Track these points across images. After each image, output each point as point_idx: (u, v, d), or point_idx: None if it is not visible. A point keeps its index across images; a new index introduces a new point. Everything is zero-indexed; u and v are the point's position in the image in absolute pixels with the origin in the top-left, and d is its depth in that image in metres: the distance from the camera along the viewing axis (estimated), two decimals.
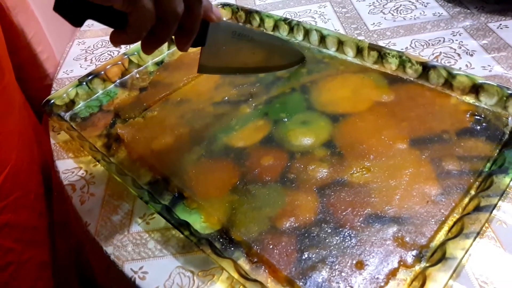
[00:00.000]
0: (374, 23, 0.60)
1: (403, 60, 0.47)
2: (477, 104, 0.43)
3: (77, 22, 0.32)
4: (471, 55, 0.51)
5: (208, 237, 0.34)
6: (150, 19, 0.31)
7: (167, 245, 0.36)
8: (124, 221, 0.39)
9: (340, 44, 0.52)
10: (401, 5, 0.63)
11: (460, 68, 0.48)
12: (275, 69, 0.48)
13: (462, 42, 0.53)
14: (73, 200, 0.42)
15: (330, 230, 0.34)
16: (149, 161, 0.42)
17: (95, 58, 0.63)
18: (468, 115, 0.42)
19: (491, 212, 0.32)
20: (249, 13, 0.62)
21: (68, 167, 0.45)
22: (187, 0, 0.32)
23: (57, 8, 0.31)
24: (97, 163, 0.44)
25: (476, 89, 0.43)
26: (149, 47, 0.35)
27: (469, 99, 0.44)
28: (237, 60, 0.43)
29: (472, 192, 0.35)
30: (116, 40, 0.33)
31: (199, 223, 0.36)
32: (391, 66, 0.49)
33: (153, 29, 0.32)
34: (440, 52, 0.52)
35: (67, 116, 0.51)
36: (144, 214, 0.39)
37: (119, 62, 0.55)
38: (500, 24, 0.55)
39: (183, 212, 0.37)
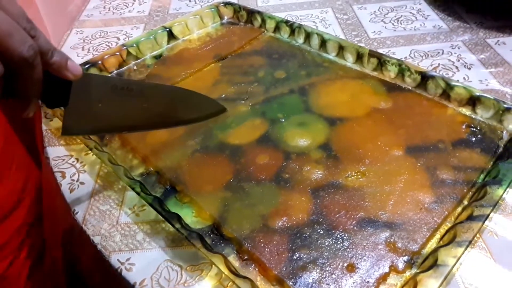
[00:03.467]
0: (374, 31, 0.60)
1: (402, 68, 0.48)
2: (473, 116, 0.43)
3: None
4: (469, 69, 0.51)
5: (199, 231, 0.34)
6: None
7: (156, 238, 0.35)
8: (113, 212, 0.38)
9: (341, 49, 0.52)
10: (402, 15, 0.64)
11: (458, 80, 0.49)
12: (180, 124, 0.40)
13: (460, 55, 0.54)
14: (62, 187, 0.41)
15: (322, 232, 0.34)
16: (143, 153, 0.42)
17: (93, 48, 0.62)
18: (464, 126, 0.42)
19: (484, 222, 0.32)
20: (251, 13, 0.62)
21: (59, 154, 0.44)
22: (11, 63, 0.27)
23: None
24: (89, 151, 0.43)
25: (473, 101, 0.43)
26: None
27: (466, 110, 0.44)
28: (122, 118, 0.37)
29: (465, 202, 0.36)
30: None
31: (190, 217, 0.36)
32: (390, 74, 0.49)
33: None
34: (439, 64, 0.52)
35: None
36: (134, 206, 0.38)
37: (117, 53, 0.55)
38: (498, 40, 0.56)
39: (175, 206, 0.37)
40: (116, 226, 0.37)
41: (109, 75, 0.54)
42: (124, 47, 0.56)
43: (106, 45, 0.63)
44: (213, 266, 0.32)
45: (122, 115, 0.36)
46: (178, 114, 0.39)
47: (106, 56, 0.54)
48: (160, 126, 0.39)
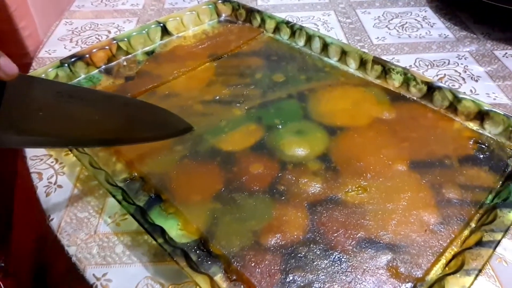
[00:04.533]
0: (378, 37, 0.58)
1: (408, 77, 0.45)
2: (480, 131, 0.41)
3: None
4: (476, 81, 0.49)
5: (184, 247, 0.31)
6: None
7: (137, 252, 0.32)
8: (92, 220, 0.35)
9: (343, 54, 0.50)
10: (406, 22, 0.61)
11: (465, 92, 0.46)
12: (136, 141, 0.36)
13: (467, 66, 0.51)
14: (37, 190, 0.38)
15: (319, 252, 0.31)
16: (127, 156, 0.38)
17: (81, 41, 0.59)
18: (471, 142, 0.40)
19: (495, 249, 0.29)
20: (250, 12, 0.59)
21: (37, 153, 0.41)
22: None
23: None
24: (69, 152, 0.40)
25: (481, 116, 0.41)
26: None
27: (473, 125, 0.41)
28: (67, 130, 0.31)
29: (473, 224, 0.33)
30: None
31: (175, 230, 0.33)
32: (394, 82, 0.46)
33: None
34: (445, 74, 0.50)
35: None
36: (115, 214, 0.35)
37: (107, 47, 0.52)
38: (506, 53, 0.54)
39: (159, 216, 0.34)
40: (93, 236, 0.33)
41: (96, 70, 0.51)
42: (114, 41, 0.52)
43: (96, 38, 0.60)
44: (198, 286, 0.29)
45: (67, 127, 0.31)
46: (134, 131, 0.34)
47: (94, 50, 0.51)
48: (112, 143, 0.35)
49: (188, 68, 0.50)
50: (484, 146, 0.39)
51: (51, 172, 0.39)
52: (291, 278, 0.29)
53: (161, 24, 0.56)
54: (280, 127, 0.42)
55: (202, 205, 0.34)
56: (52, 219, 0.35)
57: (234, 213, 0.33)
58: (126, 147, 0.39)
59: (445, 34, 0.58)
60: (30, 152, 0.41)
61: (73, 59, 0.49)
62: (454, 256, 0.30)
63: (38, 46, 0.58)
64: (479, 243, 0.30)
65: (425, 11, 0.64)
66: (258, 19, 0.58)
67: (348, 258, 0.30)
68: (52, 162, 0.40)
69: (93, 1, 0.71)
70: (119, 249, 0.32)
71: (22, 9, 0.56)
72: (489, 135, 0.40)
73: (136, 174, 0.37)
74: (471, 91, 0.47)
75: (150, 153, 0.39)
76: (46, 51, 0.57)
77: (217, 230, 0.32)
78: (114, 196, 0.33)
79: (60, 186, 0.38)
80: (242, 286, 0.29)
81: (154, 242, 0.31)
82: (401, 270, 0.30)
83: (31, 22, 0.58)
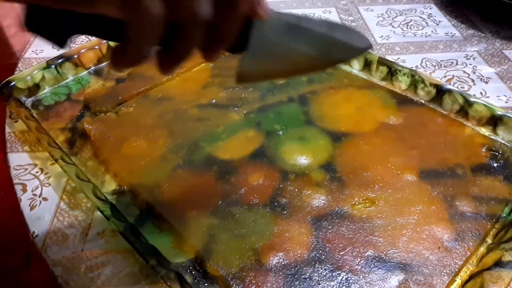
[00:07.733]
0: (382, 36, 0.55)
1: (415, 80, 0.43)
2: (493, 137, 0.39)
3: (59, 39, 0.23)
4: (486, 82, 0.46)
5: (178, 268, 0.28)
6: (155, 28, 0.20)
7: (128, 273, 0.30)
8: (80, 236, 0.32)
9: None
10: (411, 20, 0.59)
11: (475, 95, 0.44)
12: (331, 65, 0.33)
13: (476, 67, 0.49)
14: (21, 203, 0.35)
15: (325, 273, 0.28)
16: (116, 167, 0.36)
17: (70, 40, 0.56)
18: (484, 149, 0.37)
19: None
20: None
21: (22, 163, 0.38)
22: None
23: (30, 24, 0.22)
24: (55, 161, 0.37)
25: (494, 121, 0.39)
26: (165, 67, 0.24)
27: (485, 131, 0.39)
28: (289, 60, 0.30)
29: (489, 240, 0.31)
30: (117, 62, 0.22)
31: (168, 248, 0.30)
32: (401, 85, 0.44)
33: (168, 41, 0.22)
34: (453, 76, 0.47)
35: (28, 102, 0.44)
36: (104, 230, 0.32)
37: (96, 47, 0.49)
38: None
39: (151, 233, 0.31)
40: (81, 255, 0.31)
41: (85, 71, 0.48)
42: (104, 41, 0.49)
43: (85, 36, 0.57)
44: None
45: (290, 58, 0.29)
46: (331, 54, 0.31)
47: (83, 50, 0.48)
48: (314, 68, 0.31)
49: (182, 69, 0.47)
50: (497, 154, 0.37)
51: (36, 183, 0.37)
52: None
53: None
54: (280, 133, 0.39)
55: (198, 220, 0.32)
56: (36, 236, 0.32)
57: (232, 229, 0.31)
58: (115, 156, 0.36)
59: (451, 33, 0.55)
60: (14, 161, 0.39)
61: (60, 60, 0.47)
62: (471, 277, 0.28)
63: (24, 45, 0.55)
64: (499, 264, 0.28)
65: (430, 8, 0.61)
66: None
67: (357, 280, 0.28)
68: (37, 172, 0.37)
69: None
70: (108, 270, 0.30)
71: (7, 7, 0.53)
72: (503, 142, 0.38)
73: (125, 188, 0.34)
74: (481, 93, 0.45)
75: (140, 163, 0.36)
76: (33, 51, 0.54)
77: (214, 248, 0.30)
78: (102, 212, 0.31)
79: (45, 199, 0.35)
80: None
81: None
82: None
83: (17, 20, 0.55)
